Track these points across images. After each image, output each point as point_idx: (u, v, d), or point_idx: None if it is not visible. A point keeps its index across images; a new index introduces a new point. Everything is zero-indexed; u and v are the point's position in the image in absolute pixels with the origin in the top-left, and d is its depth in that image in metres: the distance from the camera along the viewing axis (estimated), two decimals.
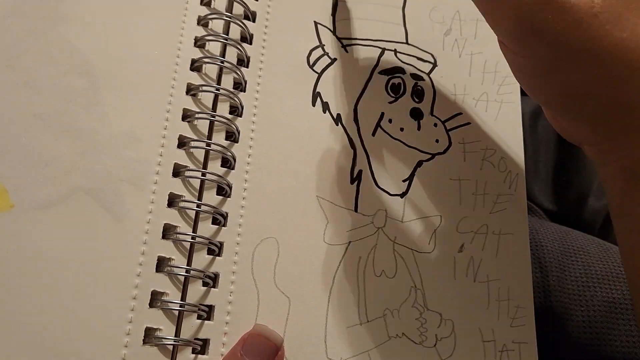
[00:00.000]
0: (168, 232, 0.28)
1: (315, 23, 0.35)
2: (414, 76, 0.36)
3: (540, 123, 0.52)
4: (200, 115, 0.30)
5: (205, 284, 0.28)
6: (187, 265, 0.27)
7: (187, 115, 0.30)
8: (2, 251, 0.24)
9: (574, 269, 0.40)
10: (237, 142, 0.31)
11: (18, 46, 0.28)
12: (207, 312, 0.28)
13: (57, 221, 0.25)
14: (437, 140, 0.35)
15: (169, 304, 0.26)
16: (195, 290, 0.27)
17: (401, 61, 0.36)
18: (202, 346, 0.27)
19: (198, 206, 0.28)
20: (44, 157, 0.26)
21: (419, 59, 0.37)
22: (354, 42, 0.36)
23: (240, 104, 0.31)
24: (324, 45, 0.35)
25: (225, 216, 0.29)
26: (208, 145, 0.30)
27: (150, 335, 0.26)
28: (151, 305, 0.26)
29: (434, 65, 0.37)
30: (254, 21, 0.34)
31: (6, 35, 0.28)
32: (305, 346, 0.28)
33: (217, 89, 0.31)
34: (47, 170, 0.26)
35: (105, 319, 0.25)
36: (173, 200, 0.28)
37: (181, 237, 0.27)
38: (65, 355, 0.24)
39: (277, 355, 0.27)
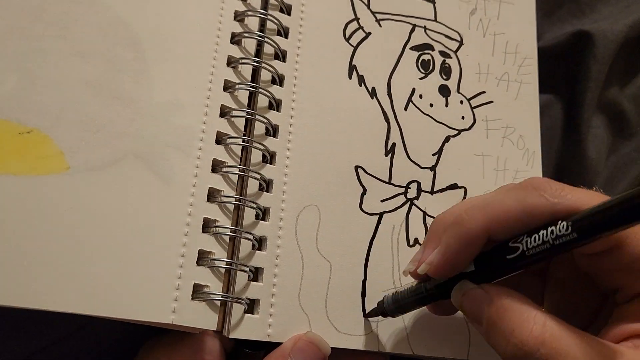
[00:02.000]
0: (213, 195, 0.29)
1: None
2: (442, 53, 0.37)
3: (543, 122, 0.53)
4: (241, 86, 0.31)
5: (252, 247, 0.29)
6: (230, 226, 0.28)
7: (228, 86, 0.31)
8: (60, 209, 0.25)
9: None
10: (279, 111, 0.32)
11: (69, 16, 0.28)
12: (253, 274, 0.29)
13: (110, 182, 0.26)
14: (462, 117, 0.37)
15: (216, 261, 0.27)
16: (243, 252, 0.29)
17: (430, 38, 0.37)
18: (250, 306, 0.28)
19: (242, 171, 0.29)
20: (96, 122, 0.27)
21: (447, 36, 0.38)
22: (387, 16, 0.37)
23: (280, 74, 0.32)
24: (359, 18, 0.36)
25: (269, 183, 0.30)
26: (249, 114, 0.30)
27: (198, 292, 0.27)
28: (199, 263, 0.27)
29: (460, 43, 0.38)
30: None
31: (55, 6, 0.28)
32: (346, 308, 0.30)
33: (257, 61, 0.31)
34: (99, 135, 0.26)
35: (155, 274, 0.26)
36: (217, 166, 0.29)
37: (225, 199, 0.28)
38: (119, 307, 0.25)
39: None
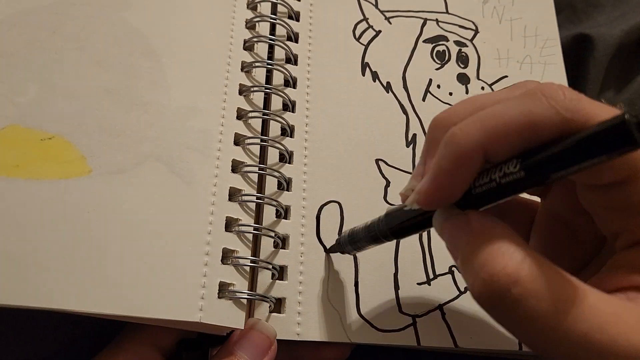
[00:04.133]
0: (234, 195, 0.29)
1: None
2: (458, 43, 0.37)
3: None
4: (255, 89, 0.31)
5: (275, 245, 0.28)
6: (252, 224, 0.28)
7: (243, 90, 0.31)
8: (83, 211, 0.25)
9: None
10: (293, 112, 0.32)
11: (86, 30, 0.29)
12: (278, 272, 0.28)
13: (132, 185, 0.26)
14: None
15: (240, 260, 0.27)
16: (266, 250, 0.28)
17: (443, 29, 0.37)
18: (276, 305, 0.28)
19: (261, 169, 0.29)
20: (116, 127, 0.27)
21: (460, 26, 0.37)
22: (396, 14, 0.37)
23: (293, 77, 0.32)
24: (367, 18, 0.36)
25: (288, 182, 0.30)
26: (265, 115, 0.31)
27: (224, 290, 0.26)
28: (223, 262, 0.27)
29: (476, 32, 0.38)
30: (299, 0, 0.35)
31: (74, 21, 0.30)
32: (379, 304, 0.29)
33: (269, 64, 0.32)
34: (120, 139, 0.27)
35: (181, 273, 0.26)
36: (236, 166, 0.29)
37: (246, 198, 0.28)
38: (147, 307, 0.24)
39: (271, 349, 0.26)
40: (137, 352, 0.26)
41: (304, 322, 0.27)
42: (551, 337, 0.17)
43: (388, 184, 0.32)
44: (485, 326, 0.29)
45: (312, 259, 0.29)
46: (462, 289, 0.30)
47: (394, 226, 0.24)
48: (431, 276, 0.30)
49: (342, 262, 0.29)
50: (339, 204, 0.30)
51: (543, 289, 0.17)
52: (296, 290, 0.28)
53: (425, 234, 0.31)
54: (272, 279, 0.28)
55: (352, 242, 0.27)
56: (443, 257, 0.31)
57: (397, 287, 0.29)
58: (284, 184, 0.30)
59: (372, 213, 0.30)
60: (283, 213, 0.29)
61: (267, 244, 0.28)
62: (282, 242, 0.29)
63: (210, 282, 0.26)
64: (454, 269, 0.31)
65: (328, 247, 0.29)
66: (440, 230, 0.21)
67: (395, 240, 0.30)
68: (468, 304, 0.30)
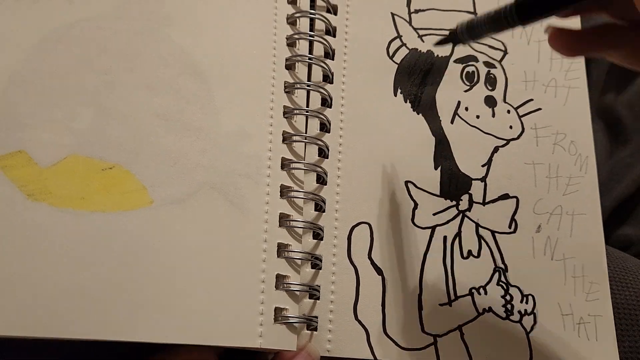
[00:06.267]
0: (281, 220, 0.30)
1: (392, 14, 0.37)
2: (487, 64, 0.38)
3: None
4: (297, 112, 0.32)
5: (313, 266, 0.30)
6: (301, 250, 0.30)
7: (286, 112, 0.32)
8: (148, 243, 0.26)
9: None
10: (329, 132, 0.33)
11: (132, 48, 0.30)
12: (318, 292, 0.30)
13: (191, 214, 0.27)
14: (510, 127, 0.37)
15: (292, 285, 0.29)
16: (306, 273, 0.30)
17: (474, 49, 0.38)
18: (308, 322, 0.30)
19: (305, 194, 0.30)
20: (171, 155, 0.28)
21: (490, 46, 0.38)
22: (429, 32, 0.37)
23: (329, 96, 0.33)
24: (401, 36, 0.36)
25: (324, 202, 0.31)
26: (306, 139, 0.32)
27: (278, 315, 0.28)
28: (276, 287, 0.28)
29: (505, 52, 0.38)
30: (335, 14, 0.35)
31: (119, 37, 0.30)
32: (403, 323, 0.31)
33: (309, 85, 0.33)
34: (176, 168, 0.28)
35: (241, 300, 0.27)
36: (282, 191, 0.30)
37: (293, 223, 0.30)
38: (210, 335, 0.26)
39: None
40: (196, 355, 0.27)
41: (334, 339, 0.29)
42: None
43: (416, 206, 0.33)
44: (500, 347, 0.31)
45: (343, 279, 0.30)
46: (480, 311, 0.32)
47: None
48: (452, 297, 0.32)
49: (372, 282, 0.31)
50: (369, 225, 0.32)
51: None
52: (328, 309, 0.30)
53: (448, 256, 0.33)
54: (309, 298, 0.30)
55: (470, 29, 0.27)
56: (464, 280, 0.32)
57: (420, 307, 0.31)
58: (322, 206, 0.31)
59: (400, 236, 0.32)
60: (321, 235, 0.31)
61: (307, 266, 0.30)
62: (320, 262, 0.30)
63: (267, 309, 0.28)
64: (473, 290, 0.32)
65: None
66: None
67: (421, 265, 0.32)
68: (485, 325, 0.32)
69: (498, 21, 0.25)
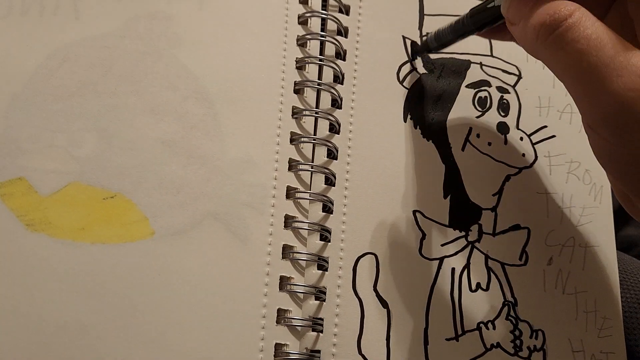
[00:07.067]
0: (284, 251, 0.29)
1: (404, 37, 0.36)
2: (500, 89, 0.37)
3: None
4: (304, 139, 0.31)
5: (317, 298, 0.29)
6: (304, 283, 0.29)
7: (293, 139, 0.31)
8: (149, 275, 0.26)
9: None
10: (336, 159, 0.32)
11: (138, 69, 0.29)
12: (321, 325, 0.29)
13: (193, 246, 0.27)
14: (523, 154, 0.36)
15: (293, 320, 0.28)
16: (309, 305, 0.29)
17: (487, 74, 0.37)
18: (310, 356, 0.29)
19: (310, 226, 0.30)
20: (175, 183, 0.28)
21: (504, 71, 0.37)
22: (440, 56, 0.36)
23: (338, 122, 0.33)
24: (412, 60, 0.36)
25: (330, 232, 0.31)
26: (312, 167, 0.31)
27: (277, 350, 0.27)
28: (277, 322, 0.28)
29: (519, 77, 0.37)
30: (346, 36, 0.35)
31: (125, 56, 0.29)
32: (408, 358, 0.30)
33: (317, 112, 0.32)
34: (179, 197, 0.27)
35: (241, 336, 0.27)
36: (287, 221, 0.30)
37: (297, 255, 0.29)
38: None
39: None
40: None
41: None
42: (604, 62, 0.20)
43: (424, 236, 0.32)
44: None
45: (347, 312, 0.30)
46: (488, 346, 0.31)
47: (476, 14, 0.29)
48: (459, 332, 0.31)
49: (377, 315, 0.30)
50: (375, 255, 0.31)
51: (597, 26, 0.21)
52: (331, 343, 0.29)
53: (456, 289, 0.32)
54: (312, 331, 0.29)
55: (438, 38, 0.33)
56: (472, 313, 0.32)
57: (426, 342, 0.30)
58: (328, 236, 0.31)
59: (406, 267, 0.31)
60: (326, 266, 0.30)
61: (310, 298, 0.29)
62: (324, 294, 0.30)
63: (267, 345, 0.27)
64: (481, 325, 0.32)
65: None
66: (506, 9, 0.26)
67: (427, 298, 0.31)
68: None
69: (458, 28, 0.31)
